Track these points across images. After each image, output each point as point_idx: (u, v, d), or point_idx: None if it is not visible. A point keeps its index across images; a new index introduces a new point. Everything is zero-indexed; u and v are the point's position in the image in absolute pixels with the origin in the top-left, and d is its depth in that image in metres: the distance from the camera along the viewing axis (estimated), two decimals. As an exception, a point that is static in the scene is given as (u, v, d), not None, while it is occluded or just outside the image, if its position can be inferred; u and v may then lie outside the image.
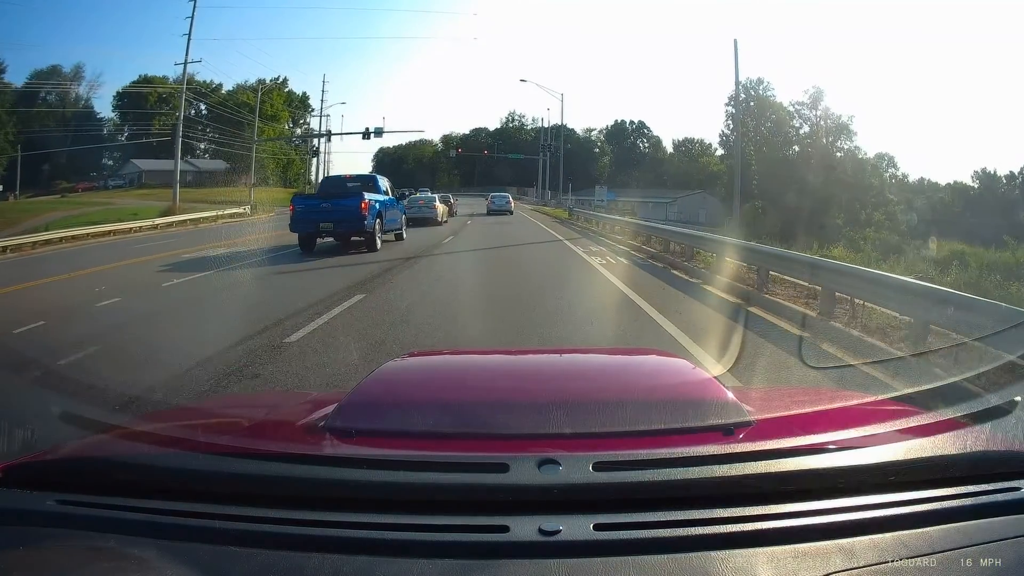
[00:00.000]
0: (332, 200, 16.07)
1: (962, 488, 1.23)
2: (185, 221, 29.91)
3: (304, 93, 72.79)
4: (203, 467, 1.29)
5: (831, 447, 1.33)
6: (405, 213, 20.61)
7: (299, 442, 1.58)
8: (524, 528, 1.11)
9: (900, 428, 1.49)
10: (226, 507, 1.19)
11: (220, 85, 66.58)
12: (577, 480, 1.18)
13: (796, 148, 54.91)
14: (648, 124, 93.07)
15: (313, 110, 72.34)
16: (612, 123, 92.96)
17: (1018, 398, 1.55)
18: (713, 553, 1.07)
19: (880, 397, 2.49)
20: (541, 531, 1.10)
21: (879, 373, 5.25)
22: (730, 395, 1.64)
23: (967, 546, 1.10)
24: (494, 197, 41.80)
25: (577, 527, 1.11)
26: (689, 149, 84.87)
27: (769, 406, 1.89)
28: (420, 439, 1.48)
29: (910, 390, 4.06)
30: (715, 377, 1.91)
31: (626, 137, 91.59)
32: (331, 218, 15.58)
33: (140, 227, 26.54)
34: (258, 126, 59.32)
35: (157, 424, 1.91)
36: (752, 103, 60.99)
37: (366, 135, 45.26)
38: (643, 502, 1.17)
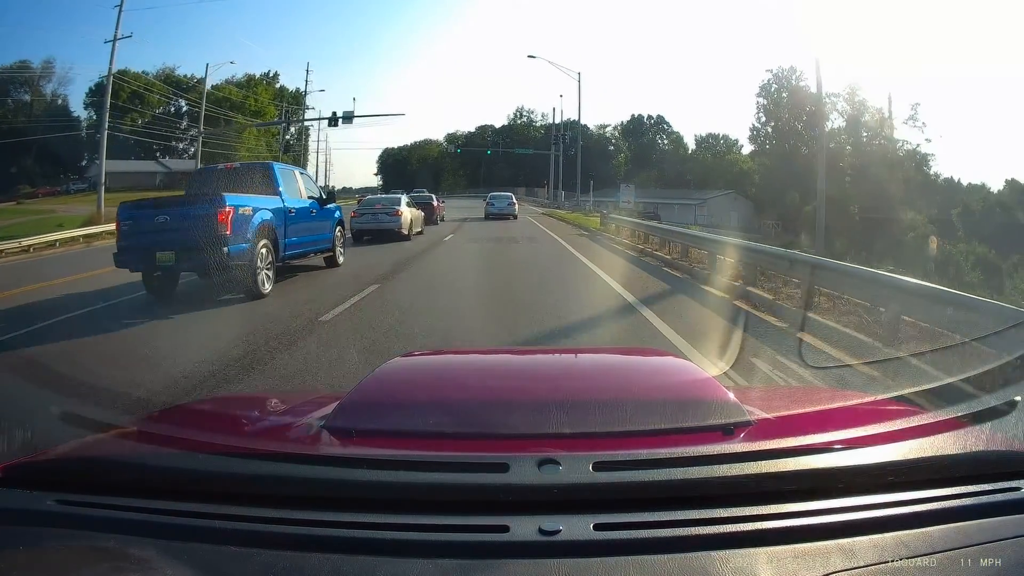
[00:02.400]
0: (173, 210, 9.26)
1: (962, 488, 1.24)
2: (56, 242, 21.61)
3: (298, 89, 69.12)
4: (203, 467, 1.29)
5: (831, 447, 1.33)
6: (342, 224, 13.36)
7: (299, 442, 1.58)
8: (524, 528, 1.11)
9: (900, 428, 1.49)
10: (226, 507, 1.19)
11: (202, 80, 62.93)
12: (577, 480, 1.18)
13: (832, 144, 49.34)
14: (667, 119, 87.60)
15: (308, 108, 69.84)
16: (628, 118, 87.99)
17: (1018, 398, 1.55)
18: (713, 553, 1.07)
19: (880, 397, 2.49)
20: (541, 531, 1.10)
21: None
22: (730, 395, 1.64)
23: (967, 546, 1.10)
24: (493, 198, 33.91)
25: (577, 527, 1.11)
26: (713, 145, 79.38)
27: (769, 406, 1.89)
28: (420, 439, 1.48)
29: (910, 390, 4.06)
30: (715, 377, 1.91)
31: (644, 133, 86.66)
32: (170, 242, 8.88)
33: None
34: (241, 122, 55.93)
35: (157, 424, 1.91)
36: (785, 93, 56.72)
37: (333, 121, 39.52)
38: (643, 502, 1.17)
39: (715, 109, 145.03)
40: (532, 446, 1.36)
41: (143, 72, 58.32)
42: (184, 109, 61.70)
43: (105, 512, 1.21)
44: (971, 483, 1.25)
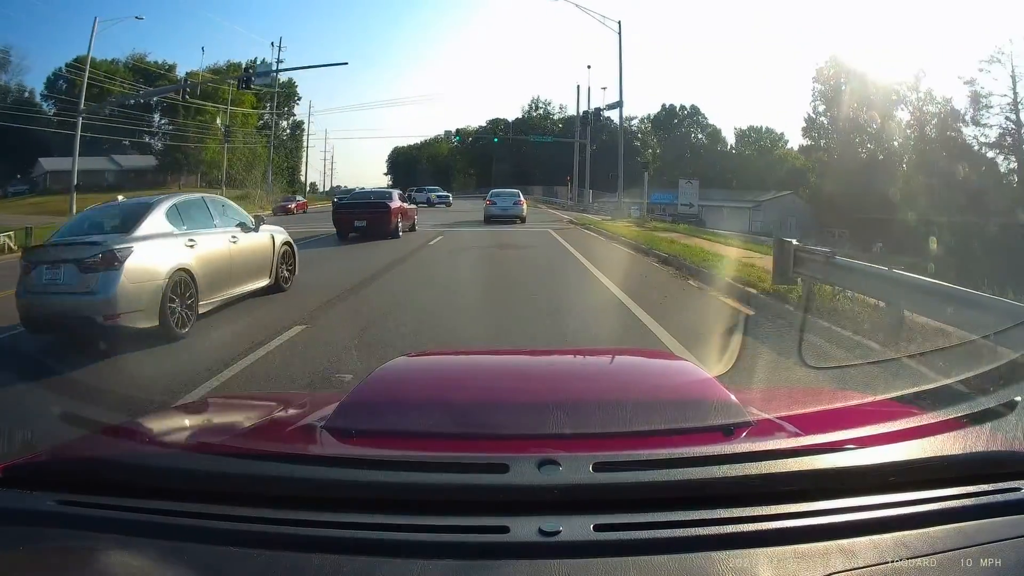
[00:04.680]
0: None
1: (962, 488, 1.24)
2: None
3: (290, 79, 61.46)
4: (203, 467, 1.29)
5: (831, 447, 1.33)
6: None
7: (299, 442, 1.58)
8: (524, 528, 1.11)
9: (900, 428, 1.49)
10: (226, 507, 1.19)
11: (174, 66, 55.91)
12: (577, 480, 1.18)
13: (897, 141, 44.09)
14: (703, 110, 77.46)
15: (300, 98, 66.17)
16: (659, 109, 77.51)
17: (1018, 398, 1.55)
18: (713, 553, 1.07)
19: (880, 397, 2.49)
20: (541, 531, 1.10)
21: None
22: (730, 395, 1.64)
23: (967, 546, 1.10)
24: (495, 195, 27.53)
25: (577, 527, 1.11)
26: (756, 140, 71.30)
27: (769, 406, 1.89)
28: (420, 439, 1.48)
29: (910, 390, 4.05)
30: (715, 377, 1.91)
31: (676, 126, 76.63)
32: None
33: None
34: (211, 112, 50.63)
35: (157, 424, 1.91)
36: (843, 81, 47.37)
37: (244, 82, 30.30)
38: (643, 502, 1.17)
39: (756, 99, 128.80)
40: (532, 446, 1.36)
41: (112, 60, 51.62)
42: (154, 100, 53.26)
43: (105, 512, 1.21)
44: (971, 483, 1.25)
